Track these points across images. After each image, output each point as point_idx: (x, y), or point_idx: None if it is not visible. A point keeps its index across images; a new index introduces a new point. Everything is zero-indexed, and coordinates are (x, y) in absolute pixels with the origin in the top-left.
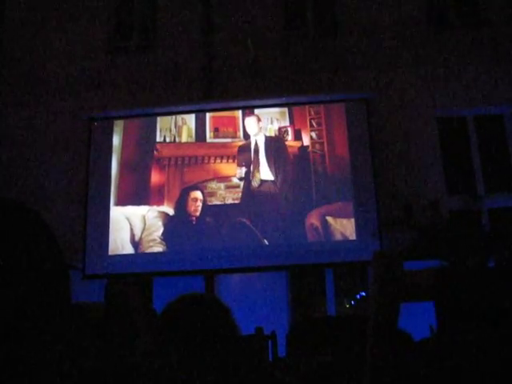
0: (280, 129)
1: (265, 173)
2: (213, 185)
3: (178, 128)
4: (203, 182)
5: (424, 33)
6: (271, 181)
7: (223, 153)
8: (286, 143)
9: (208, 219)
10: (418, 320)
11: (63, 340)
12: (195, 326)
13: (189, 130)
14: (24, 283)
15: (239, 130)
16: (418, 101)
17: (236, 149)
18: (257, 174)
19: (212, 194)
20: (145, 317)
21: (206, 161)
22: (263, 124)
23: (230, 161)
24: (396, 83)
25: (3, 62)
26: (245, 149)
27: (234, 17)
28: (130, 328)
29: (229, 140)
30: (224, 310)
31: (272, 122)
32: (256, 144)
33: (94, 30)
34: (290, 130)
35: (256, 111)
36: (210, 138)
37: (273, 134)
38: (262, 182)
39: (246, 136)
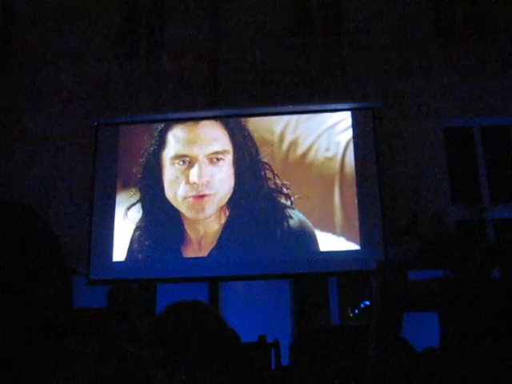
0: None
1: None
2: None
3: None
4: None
5: (431, 43)
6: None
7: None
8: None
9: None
10: (423, 329)
11: (64, 343)
12: (193, 334)
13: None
14: (26, 286)
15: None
16: (425, 111)
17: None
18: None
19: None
20: (147, 323)
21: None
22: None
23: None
24: (402, 93)
25: (12, 67)
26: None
27: (240, 25)
28: (131, 334)
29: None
30: (217, 314)
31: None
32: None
33: (102, 37)
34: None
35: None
36: None
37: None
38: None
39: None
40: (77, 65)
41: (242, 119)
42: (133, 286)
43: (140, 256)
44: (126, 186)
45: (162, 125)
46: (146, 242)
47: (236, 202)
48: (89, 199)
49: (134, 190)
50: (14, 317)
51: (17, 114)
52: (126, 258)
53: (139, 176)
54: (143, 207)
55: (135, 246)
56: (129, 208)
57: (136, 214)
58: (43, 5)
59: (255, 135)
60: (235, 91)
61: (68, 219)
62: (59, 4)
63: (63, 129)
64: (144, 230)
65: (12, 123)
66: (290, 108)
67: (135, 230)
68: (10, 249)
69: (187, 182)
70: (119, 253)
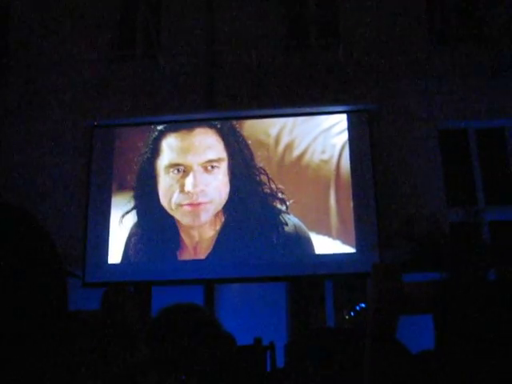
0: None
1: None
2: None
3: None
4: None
5: (425, 46)
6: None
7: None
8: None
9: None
10: (419, 332)
11: (59, 347)
12: (188, 337)
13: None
14: (20, 288)
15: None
16: (420, 113)
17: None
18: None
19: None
20: (142, 326)
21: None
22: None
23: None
24: (397, 96)
25: (8, 69)
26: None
27: (237, 27)
28: (127, 336)
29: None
30: (212, 317)
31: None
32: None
33: (98, 38)
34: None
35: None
36: None
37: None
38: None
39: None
40: (73, 66)
41: (237, 125)
42: (128, 288)
43: (135, 258)
44: (122, 188)
45: (156, 133)
46: (142, 246)
47: (231, 208)
48: (84, 201)
49: (129, 195)
50: (8, 319)
51: (12, 115)
52: (122, 261)
53: (134, 184)
54: (138, 214)
55: (130, 248)
56: (123, 215)
57: (131, 220)
58: (39, 7)
59: (251, 139)
60: (231, 93)
61: (63, 221)
62: (55, 6)
63: (60, 130)
64: (139, 235)
65: (7, 125)
66: (286, 110)
67: (130, 234)
68: (3, 251)
69: (182, 190)
70: (114, 255)
